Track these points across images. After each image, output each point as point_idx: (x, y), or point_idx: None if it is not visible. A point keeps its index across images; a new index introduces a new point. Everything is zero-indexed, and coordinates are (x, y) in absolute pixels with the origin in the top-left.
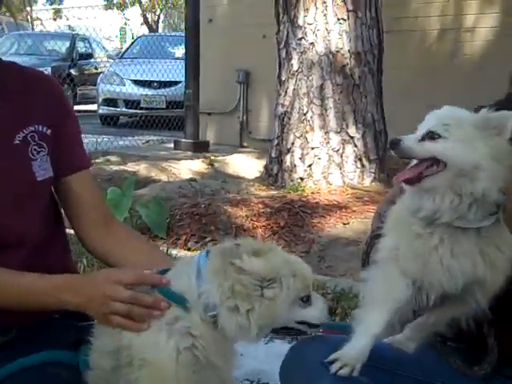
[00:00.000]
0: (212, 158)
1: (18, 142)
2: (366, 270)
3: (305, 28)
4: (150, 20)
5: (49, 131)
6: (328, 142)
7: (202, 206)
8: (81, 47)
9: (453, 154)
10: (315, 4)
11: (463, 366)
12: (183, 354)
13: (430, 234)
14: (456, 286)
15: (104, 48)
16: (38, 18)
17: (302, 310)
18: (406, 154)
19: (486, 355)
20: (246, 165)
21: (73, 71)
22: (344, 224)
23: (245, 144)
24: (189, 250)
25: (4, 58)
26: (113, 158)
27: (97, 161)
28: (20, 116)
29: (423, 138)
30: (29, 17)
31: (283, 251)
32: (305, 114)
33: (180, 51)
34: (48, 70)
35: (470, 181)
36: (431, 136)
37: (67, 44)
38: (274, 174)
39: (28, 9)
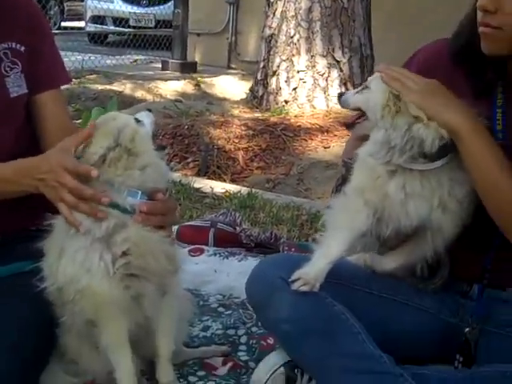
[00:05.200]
0: (199, 79)
1: None
2: (333, 198)
3: None
4: None
5: (23, 48)
6: (314, 66)
7: (186, 127)
8: None
9: (367, 104)
10: None
11: (416, 279)
12: (116, 270)
13: (388, 172)
14: (410, 223)
15: None
16: None
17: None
18: (344, 105)
19: (438, 269)
20: (232, 86)
21: None
22: (325, 148)
23: (233, 66)
24: (171, 170)
25: None
26: (99, 77)
27: (82, 79)
28: None
29: (359, 91)
30: None
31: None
32: (291, 37)
33: None
34: None
35: (377, 129)
36: (363, 88)
37: None
38: (259, 96)
39: None
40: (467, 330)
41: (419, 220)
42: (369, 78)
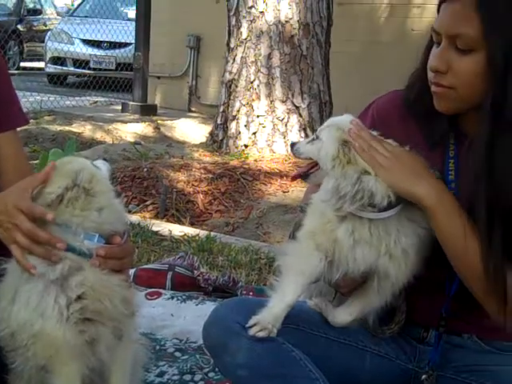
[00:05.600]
0: (159, 121)
1: None
2: (286, 244)
3: None
4: None
5: None
6: (273, 111)
7: (145, 169)
8: (29, 2)
9: (318, 155)
10: None
11: (373, 325)
12: (70, 314)
13: (337, 217)
14: (358, 269)
15: (53, 4)
16: None
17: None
18: (296, 155)
19: (394, 315)
20: (192, 130)
21: (20, 27)
22: (284, 192)
23: (193, 109)
24: (129, 212)
25: None
26: (58, 118)
27: (41, 120)
28: None
29: (311, 141)
30: None
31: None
32: (252, 82)
33: (132, 12)
34: None
35: (328, 178)
36: (314, 138)
37: None
38: (219, 140)
39: None
40: (424, 376)
41: (366, 266)
42: (319, 129)
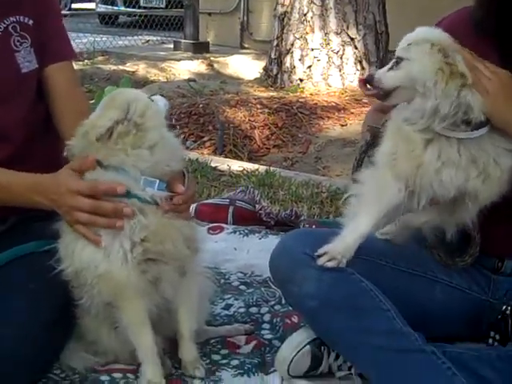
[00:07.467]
0: (212, 58)
1: None
2: (360, 171)
3: None
4: None
5: (31, 22)
6: (328, 44)
7: (200, 105)
8: None
9: (411, 76)
10: None
11: (445, 257)
12: (134, 258)
13: (423, 140)
14: (448, 193)
15: None
16: None
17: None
18: (381, 86)
19: (468, 247)
20: (245, 66)
21: None
22: (342, 125)
23: (245, 45)
24: (187, 148)
25: None
26: (111, 58)
27: (94, 60)
28: (0, 7)
29: (392, 67)
30: None
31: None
32: (305, 15)
33: None
34: None
35: (423, 98)
36: (397, 62)
37: None
38: (274, 75)
39: None
40: (504, 307)
41: (456, 189)
42: (398, 51)
